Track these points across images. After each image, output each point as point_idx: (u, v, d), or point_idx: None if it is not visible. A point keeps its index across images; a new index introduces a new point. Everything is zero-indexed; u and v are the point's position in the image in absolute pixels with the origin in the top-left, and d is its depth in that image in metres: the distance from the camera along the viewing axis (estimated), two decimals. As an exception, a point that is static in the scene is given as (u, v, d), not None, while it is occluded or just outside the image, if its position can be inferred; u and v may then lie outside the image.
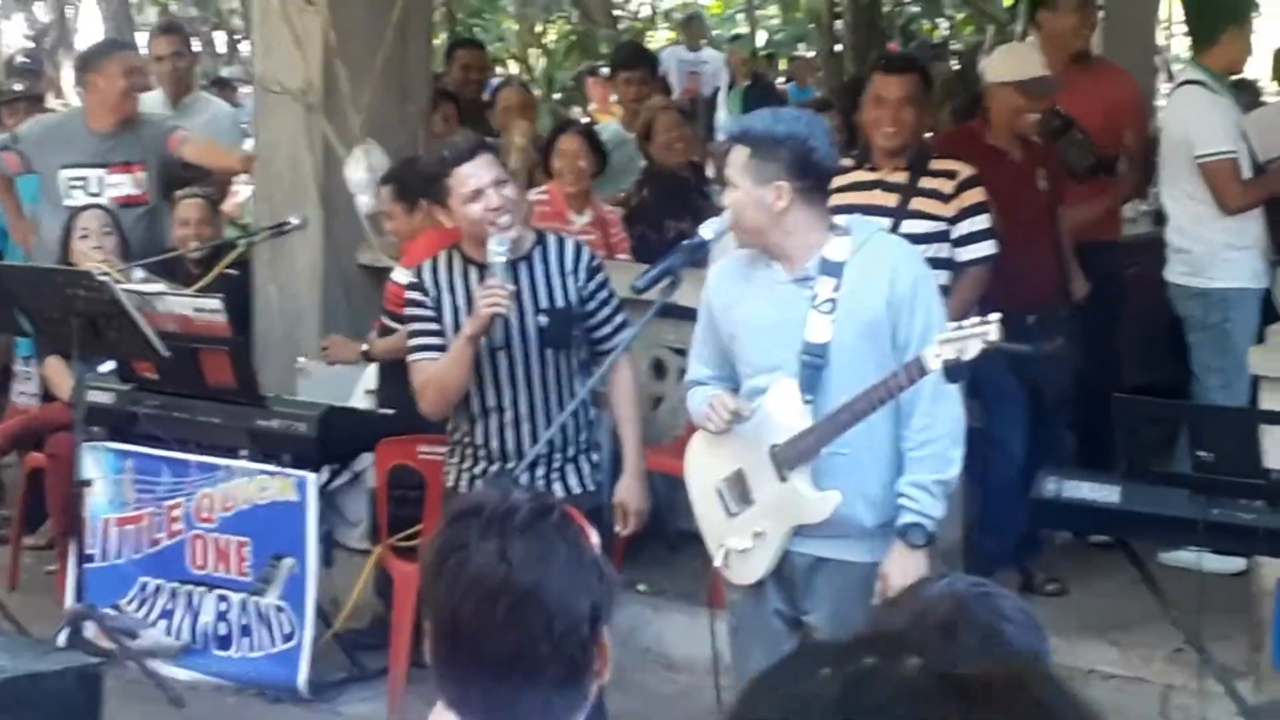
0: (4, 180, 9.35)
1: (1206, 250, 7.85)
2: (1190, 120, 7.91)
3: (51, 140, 9.13)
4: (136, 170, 9.03)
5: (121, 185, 8.99)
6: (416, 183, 7.60)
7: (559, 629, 2.60)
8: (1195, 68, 8.11)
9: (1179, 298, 8.01)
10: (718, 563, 5.46)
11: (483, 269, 5.89)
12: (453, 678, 2.66)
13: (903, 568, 5.10)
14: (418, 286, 6.06)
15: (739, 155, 5.23)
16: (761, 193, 5.17)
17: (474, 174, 5.88)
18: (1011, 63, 8.02)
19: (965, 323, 4.95)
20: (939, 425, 5.22)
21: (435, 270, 6.06)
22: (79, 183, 8.96)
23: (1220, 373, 7.71)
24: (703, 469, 5.53)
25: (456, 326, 5.93)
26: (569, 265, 6.02)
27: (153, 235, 8.96)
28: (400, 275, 7.47)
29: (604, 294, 6.05)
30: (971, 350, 4.90)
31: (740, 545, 5.36)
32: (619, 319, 6.03)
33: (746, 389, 5.37)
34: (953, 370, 4.95)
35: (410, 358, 6.09)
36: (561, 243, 6.14)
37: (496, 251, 5.82)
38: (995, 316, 4.92)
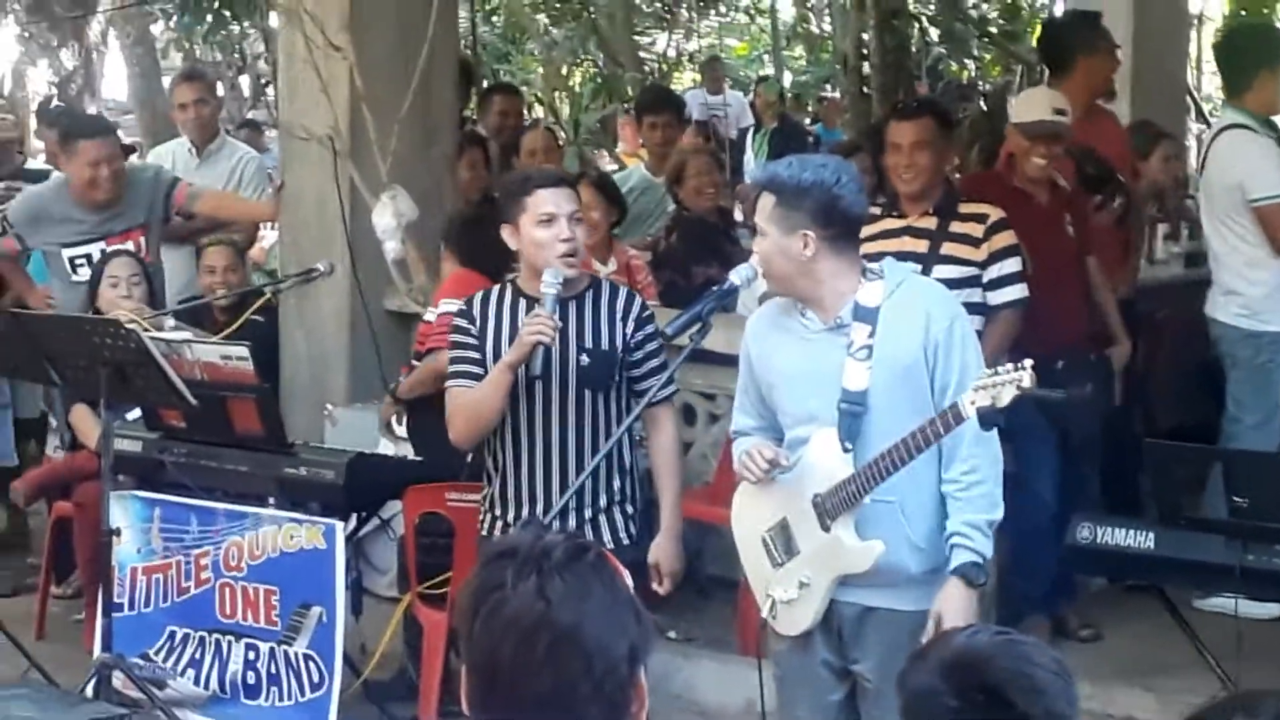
0: (10, 262, 9.27)
1: (1263, 293, 7.83)
2: (1243, 165, 7.90)
3: (45, 220, 9.01)
4: (137, 236, 8.95)
5: None
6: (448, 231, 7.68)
7: (599, 669, 2.59)
8: (1236, 111, 8.09)
9: (1228, 338, 7.97)
10: (765, 613, 5.42)
11: (533, 302, 5.89)
12: (492, 718, 2.63)
13: (958, 608, 5.05)
14: (465, 314, 6.09)
15: (765, 203, 5.20)
16: (788, 242, 5.14)
17: (553, 200, 5.91)
18: (1020, 105, 8.04)
19: (999, 369, 4.91)
20: (985, 467, 5.17)
21: (486, 301, 6.08)
22: (83, 261, 8.88)
23: (1257, 411, 7.69)
24: (749, 519, 5.48)
25: (497, 358, 5.93)
26: (620, 312, 6.02)
27: (157, 289, 8.88)
28: (431, 315, 7.49)
29: (651, 345, 6.04)
30: (1006, 397, 4.86)
31: (786, 596, 5.32)
32: (665, 374, 5.97)
33: (788, 439, 5.34)
34: (987, 417, 4.91)
35: (447, 384, 6.11)
36: (615, 289, 6.15)
37: (549, 283, 5.82)
38: (1028, 363, 4.88)
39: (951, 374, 5.12)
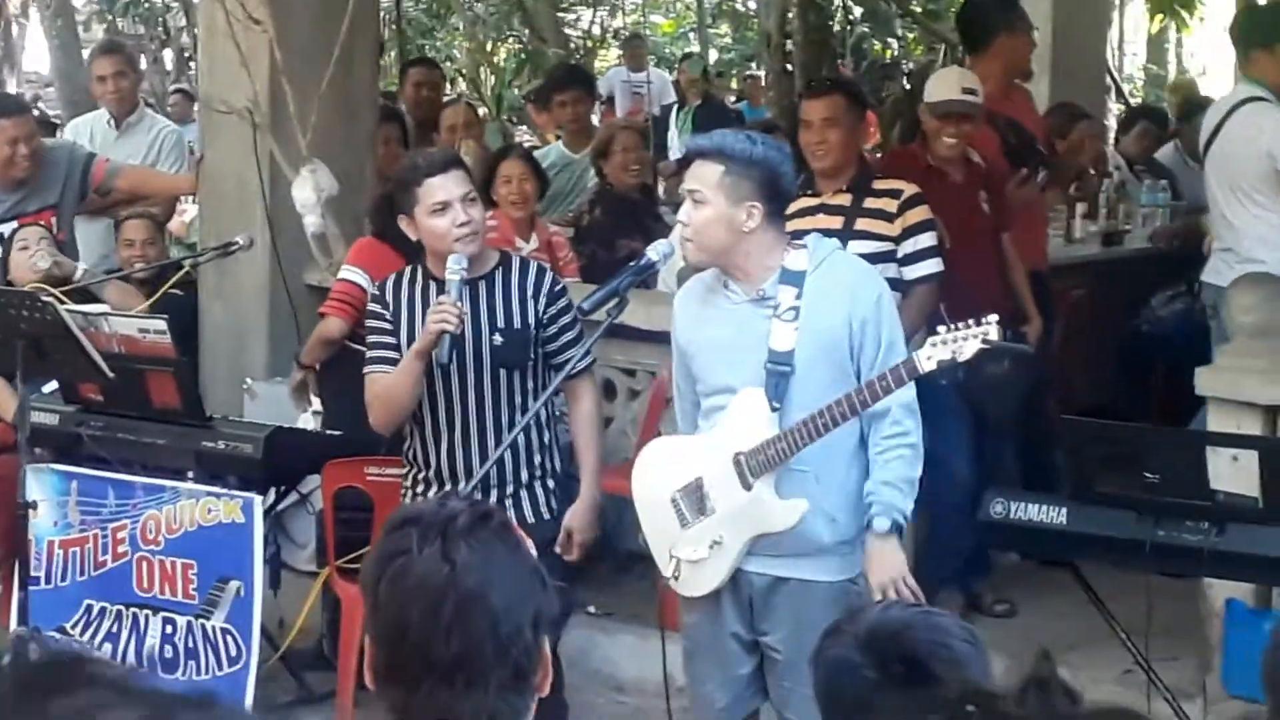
0: None
1: None
2: (1274, 133, 7.92)
3: None
4: (49, 216, 8.88)
5: None
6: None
7: (505, 631, 2.60)
8: (1253, 84, 8.14)
9: None
10: (667, 574, 5.43)
11: (443, 285, 5.89)
12: (398, 685, 2.64)
13: (885, 564, 5.18)
14: (379, 299, 6.09)
15: (711, 172, 5.21)
16: (734, 212, 5.18)
17: (444, 186, 5.89)
18: (932, 85, 8.08)
19: (959, 325, 4.97)
20: (915, 432, 5.25)
21: (398, 285, 6.08)
22: None
23: None
24: (656, 480, 5.51)
25: (412, 341, 5.93)
26: (530, 289, 6.01)
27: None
28: (345, 272, 7.48)
29: (565, 319, 6.04)
30: (968, 351, 4.94)
31: (695, 555, 5.33)
32: (580, 346, 6.00)
33: (704, 408, 5.40)
34: (946, 371, 4.98)
35: (365, 369, 6.11)
36: (525, 265, 6.14)
37: (453, 269, 5.82)
38: (993, 318, 4.96)
39: (880, 348, 5.18)
